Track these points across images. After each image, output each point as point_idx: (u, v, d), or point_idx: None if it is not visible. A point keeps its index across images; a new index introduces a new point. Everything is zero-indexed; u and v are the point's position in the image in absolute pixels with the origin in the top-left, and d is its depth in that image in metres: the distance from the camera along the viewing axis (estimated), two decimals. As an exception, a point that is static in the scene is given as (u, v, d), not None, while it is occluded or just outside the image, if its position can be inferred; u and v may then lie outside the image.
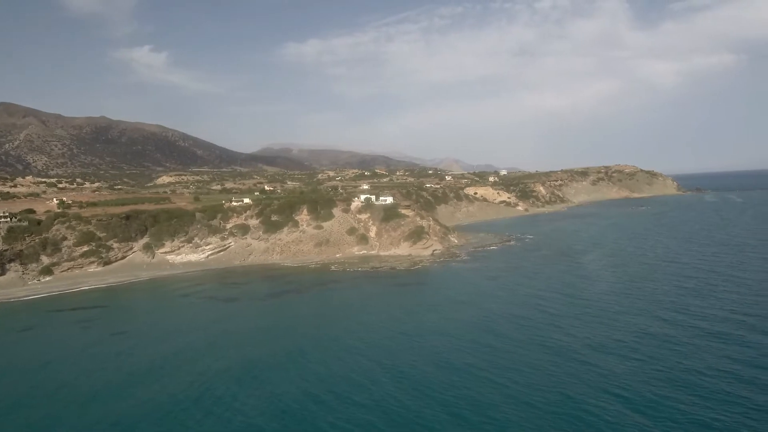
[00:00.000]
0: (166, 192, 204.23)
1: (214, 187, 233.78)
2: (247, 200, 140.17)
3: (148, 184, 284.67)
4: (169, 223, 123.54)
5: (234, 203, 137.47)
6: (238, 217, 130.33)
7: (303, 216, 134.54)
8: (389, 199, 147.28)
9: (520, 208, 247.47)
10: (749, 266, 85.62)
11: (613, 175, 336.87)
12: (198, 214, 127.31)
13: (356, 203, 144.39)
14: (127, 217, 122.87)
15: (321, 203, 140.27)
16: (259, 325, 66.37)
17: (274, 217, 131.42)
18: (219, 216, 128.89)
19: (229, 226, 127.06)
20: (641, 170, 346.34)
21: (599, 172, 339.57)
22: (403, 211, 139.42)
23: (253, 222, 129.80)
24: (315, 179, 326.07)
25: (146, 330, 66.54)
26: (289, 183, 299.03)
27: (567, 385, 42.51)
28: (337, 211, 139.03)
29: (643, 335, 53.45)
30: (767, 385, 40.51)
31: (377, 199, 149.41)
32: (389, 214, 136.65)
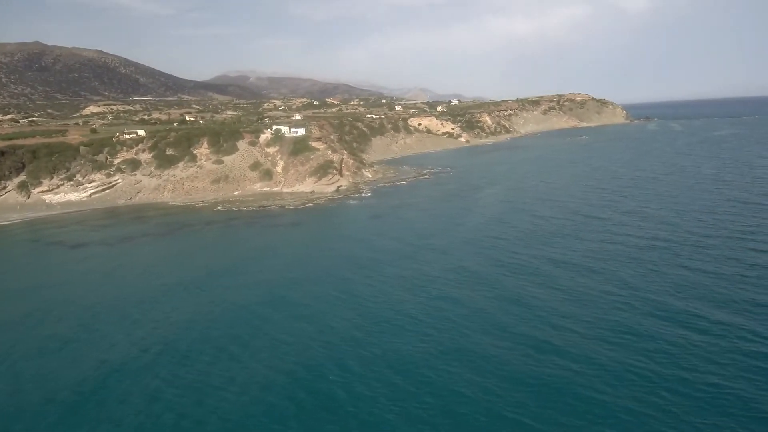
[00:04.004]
0: (77, 123, 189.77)
1: (137, 119, 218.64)
2: (141, 132, 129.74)
3: (74, 115, 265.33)
4: (48, 159, 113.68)
5: (126, 135, 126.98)
6: (128, 151, 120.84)
7: (203, 149, 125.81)
8: (300, 131, 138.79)
9: (462, 139, 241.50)
10: (622, 206, 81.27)
11: (565, 104, 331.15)
12: (82, 149, 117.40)
13: (265, 135, 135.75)
14: (2, 153, 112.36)
15: (224, 135, 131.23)
16: (62, 271, 63.54)
17: (169, 151, 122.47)
18: (106, 150, 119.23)
19: (117, 161, 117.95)
20: (593, 99, 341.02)
21: (551, 101, 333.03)
22: (314, 144, 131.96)
23: (146, 156, 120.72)
24: (260, 109, 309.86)
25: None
26: (229, 113, 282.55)
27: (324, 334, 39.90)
28: (242, 144, 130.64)
29: (461, 284, 50.84)
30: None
31: (290, 130, 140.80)
32: (299, 147, 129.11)
